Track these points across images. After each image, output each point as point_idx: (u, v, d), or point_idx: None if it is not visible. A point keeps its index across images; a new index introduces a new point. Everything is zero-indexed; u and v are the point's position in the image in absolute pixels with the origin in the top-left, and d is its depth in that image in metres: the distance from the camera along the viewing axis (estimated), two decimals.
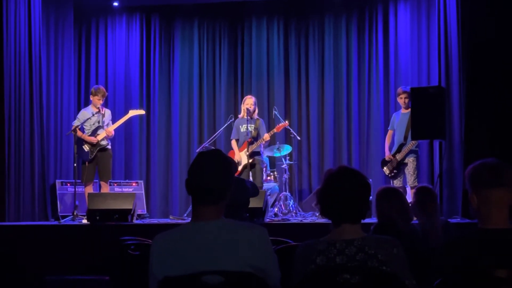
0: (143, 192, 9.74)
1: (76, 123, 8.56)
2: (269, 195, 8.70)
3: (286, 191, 9.00)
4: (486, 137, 7.61)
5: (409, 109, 8.34)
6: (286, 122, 9.19)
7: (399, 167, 8.44)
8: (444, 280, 2.57)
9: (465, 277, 2.51)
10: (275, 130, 8.98)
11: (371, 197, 2.81)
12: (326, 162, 10.23)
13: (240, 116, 9.12)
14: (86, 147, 8.47)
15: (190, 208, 8.57)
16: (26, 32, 8.88)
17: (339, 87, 10.34)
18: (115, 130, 8.74)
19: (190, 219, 2.80)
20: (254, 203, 6.35)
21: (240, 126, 8.99)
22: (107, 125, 8.63)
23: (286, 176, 9.11)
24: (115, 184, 9.57)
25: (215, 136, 9.69)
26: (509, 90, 7.56)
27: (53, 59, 9.89)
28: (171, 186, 10.52)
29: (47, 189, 9.16)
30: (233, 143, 9.10)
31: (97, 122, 8.56)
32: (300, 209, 8.86)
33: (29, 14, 8.92)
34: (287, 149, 9.28)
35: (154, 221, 8.74)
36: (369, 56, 10.29)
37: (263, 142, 8.84)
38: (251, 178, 8.61)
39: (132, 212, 7.60)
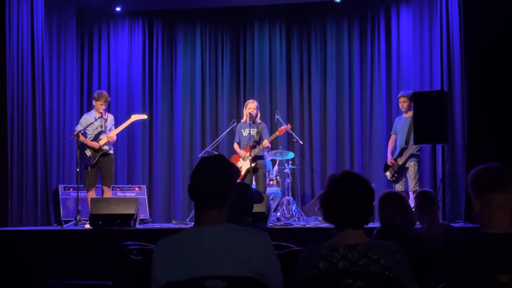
0: (145, 197, 9.73)
1: (78, 128, 8.57)
2: (272, 199, 8.70)
3: (288, 196, 9.00)
4: (489, 141, 7.61)
5: (410, 113, 8.35)
6: (288, 125, 9.18)
7: (401, 171, 8.44)
8: (447, 285, 2.57)
9: (467, 282, 2.51)
10: (277, 133, 8.99)
11: (374, 202, 2.80)
12: (329, 166, 10.23)
13: (242, 120, 9.12)
14: (88, 152, 8.47)
15: (192, 213, 8.56)
16: (29, 37, 8.89)
17: (342, 91, 10.34)
18: (117, 134, 8.75)
19: (192, 224, 2.80)
20: (256, 207, 6.33)
21: (242, 130, 8.98)
22: (110, 130, 8.64)
23: (288, 180, 9.11)
24: (118, 189, 9.57)
25: (218, 140, 9.70)
26: None
27: (55, 64, 9.90)
28: (174, 191, 10.52)
29: (49, 194, 9.16)
30: (236, 146, 9.09)
31: (99, 127, 8.56)
32: (302, 213, 8.86)
33: (32, 19, 8.94)
34: (289, 156, 9.26)
35: (157, 226, 8.74)
36: (371, 60, 10.30)
37: (262, 148, 8.80)
38: (254, 183, 8.61)
39: (134, 217, 7.60)
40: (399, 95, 8.72)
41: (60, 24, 10.02)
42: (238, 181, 2.93)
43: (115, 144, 8.99)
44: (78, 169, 8.46)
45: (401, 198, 4.30)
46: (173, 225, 8.93)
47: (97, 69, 10.72)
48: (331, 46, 10.45)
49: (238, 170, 2.88)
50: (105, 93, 8.70)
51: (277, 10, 10.65)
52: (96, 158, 8.47)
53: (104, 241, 7.08)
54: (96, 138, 8.51)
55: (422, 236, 4.46)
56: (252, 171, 8.65)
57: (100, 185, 8.76)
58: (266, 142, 8.74)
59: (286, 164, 9.21)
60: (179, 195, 10.43)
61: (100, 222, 7.49)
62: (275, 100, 10.56)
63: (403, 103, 8.57)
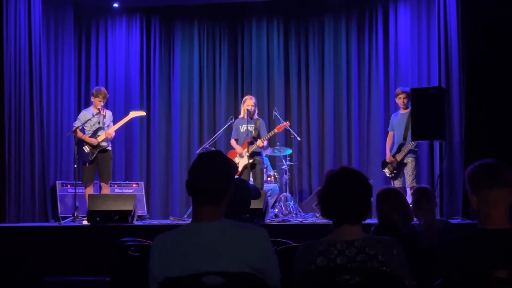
0: (143, 193, 9.73)
1: (77, 124, 8.56)
2: (270, 196, 8.69)
3: (286, 192, 9.00)
4: (486, 138, 7.62)
5: (408, 109, 8.36)
6: (287, 122, 9.16)
7: (399, 167, 8.44)
8: (444, 280, 2.57)
9: (465, 277, 2.51)
10: (276, 130, 8.97)
11: (372, 198, 2.80)
12: (326, 163, 10.23)
13: (240, 116, 9.11)
14: (86, 148, 8.47)
15: (190, 209, 8.56)
16: (26, 33, 8.88)
17: (339, 88, 10.34)
18: (115, 131, 8.74)
19: (190, 220, 2.80)
20: (254, 204, 6.35)
21: (240, 126, 8.97)
22: (108, 126, 8.63)
23: (286, 177, 9.10)
24: (116, 185, 9.56)
25: (216, 137, 9.69)
26: (509, 90, 7.56)
27: (53, 60, 9.89)
28: (172, 187, 10.52)
29: (47, 190, 9.16)
30: (233, 142, 9.08)
31: (97, 123, 8.55)
32: (300, 210, 8.86)
33: (29, 15, 8.93)
34: (287, 153, 9.26)
35: (155, 222, 8.74)
36: (369, 57, 10.29)
37: (259, 146, 8.79)
38: (251, 179, 8.61)
39: (132, 213, 7.60)
40: (401, 90, 8.57)
41: (57, 20, 10.00)
42: (235, 177, 2.94)
43: (113, 141, 8.98)
44: (75, 165, 8.44)
45: (399, 194, 4.31)
46: (170, 221, 8.93)
47: (94, 65, 10.70)
48: (329, 42, 10.45)
49: (235, 166, 2.88)
50: (103, 89, 8.68)
51: (275, 6, 10.63)
52: (94, 155, 8.46)
53: (102, 237, 7.09)
54: (95, 134, 8.51)
55: (419, 232, 4.46)
56: (250, 167, 8.66)
57: (98, 182, 8.76)
58: (259, 143, 8.69)
59: (283, 161, 9.21)
60: (176, 191, 10.43)
61: (98, 219, 7.49)
62: (273, 96, 10.56)
63: (404, 99, 8.50)
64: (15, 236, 7.35)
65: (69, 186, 9.34)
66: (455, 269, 2.56)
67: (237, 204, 3.82)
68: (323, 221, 6.94)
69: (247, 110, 8.81)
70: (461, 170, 7.86)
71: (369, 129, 10.17)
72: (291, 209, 8.74)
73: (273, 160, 9.79)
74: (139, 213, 8.80)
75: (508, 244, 2.57)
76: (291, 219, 8.30)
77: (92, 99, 8.64)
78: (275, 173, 9.44)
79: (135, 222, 7.77)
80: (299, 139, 9.55)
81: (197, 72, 10.74)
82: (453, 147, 8.22)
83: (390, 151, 8.61)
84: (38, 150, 8.90)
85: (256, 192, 5.89)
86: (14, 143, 8.53)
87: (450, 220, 6.56)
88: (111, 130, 8.59)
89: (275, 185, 9.31)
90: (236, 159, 8.78)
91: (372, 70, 10.25)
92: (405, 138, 8.41)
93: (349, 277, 2.54)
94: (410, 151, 8.35)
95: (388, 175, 8.57)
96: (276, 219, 8.22)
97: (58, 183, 9.42)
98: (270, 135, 8.93)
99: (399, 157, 8.39)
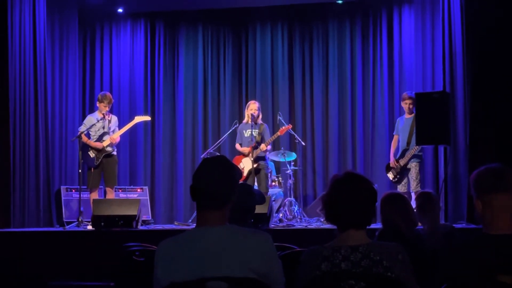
0: (148, 198, 9.73)
1: (82, 128, 8.58)
2: (274, 200, 8.69)
3: (291, 197, 8.99)
4: (491, 142, 7.61)
5: (412, 114, 8.35)
6: (290, 125, 9.17)
7: (403, 172, 8.44)
8: (449, 286, 2.57)
9: (469, 282, 2.50)
10: (278, 133, 8.99)
11: (376, 203, 2.79)
12: (331, 167, 10.21)
13: (244, 121, 9.12)
14: (91, 153, 8.48)
15: (194, 214, 8.55)
16: (31, 38, 8.90)
17: (344, 92, 10.33)
18: (120, 136, 8.75)
19: (194, 225, 2.80)
20: (259, 208, 6.31)
21: (244, 131, 8.98)
22: (113, 131, 8.64)
23: (290, 181, 9.09)
24: (120, 190, 9.57)
25: (220, 142, 9.70)
26: None
27: (58, 65, 9.90)
28: (176, 192, 10.52)
29: (52, 195, 9.16)
30: (238, 146, 9.09)
31: (102, 128, 8.57)
32: (304, 214, 8.85)
33: (34, 20, 8.95)
34: (292, 157, 9.26)
35: (159, 227, 8.74)
36: (374, 61, 10.28)
37: (263, 150, 8.79)
38: (256, 184, 8.60)
39: (137, 218, 7.60)
40: (408, 96, 8.57)
41: (62, 25, 10.01)
42: (240, 182, 2.94)
43: (118, 146, 8.99)
44: (80, 170, 8.46)
45: (403, 199, 4.30)
46: (175, 226, 8.94)
47: (99, 70, 10.73)
48: (333, 47, 10.44)
49: (240, 171, 2.88)
50: (108, 94, 8.70)
51: (279, 11, 10.64)
52: (100, 159, 8.47)
53: (106, 242, 7.09)
54: (100, 139, 8.53)
55: (423, 237, 4.46)
56: (254, 172, 8.66)
57: (102, 186, 8.77)
58: (263, 147, 8.72)
59: (288, 165, 9.20)
60: (181, 196, 10.43)
61: (102, 223, 7.50)
62: (277, 101, 10.56)
63: (410, 105, 8.50)
64: (20, 241, 7.36)
65: (74, 191, 9.34)
66: (460, 274, 2.56)
67: (241, 209, 3.83)
68: (328, 226, 6.93)
69: (251, 114, 8.81)
70: (466, 175, 7.85)
71: (373, 134, 10.15)
72: (296, 214, 8.73)
73: (278, 165, 9.78)
74: (144, 218, 8.80)
75: None
76: (296, 224, 8.29)
77: (97, 104, 8.66)
78: (280, 178, 9.43)
79: (140, 227, 7.77)
80: (303, 143, 9.54)
81: (201, 77, 10.75)
82: (457, 152, 8.21)
83: (395, 155, 8.62)
84: (42, 155, 8.91)
85: (260, 197, 5.89)
86: (19, 148, 8.54)
87: (454, 225, 6.55)
88: (116, 135, 8.60)
89: (280, 189, 9.30)
90: (241, 164, 8.78)
91: (377, 74, 10.24)
92: (408, 144, 8.41)
93: (353, 282, 2.54)
94: (414, 156, 8.35)
95: (391, 179, 8.57)
96: (281, 224, 8.21)
97: (62, 188, 9.42)
98: (273, 138, 8.94)
99: (402, 162, 8.39)
